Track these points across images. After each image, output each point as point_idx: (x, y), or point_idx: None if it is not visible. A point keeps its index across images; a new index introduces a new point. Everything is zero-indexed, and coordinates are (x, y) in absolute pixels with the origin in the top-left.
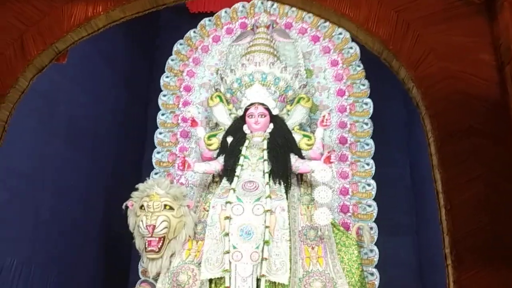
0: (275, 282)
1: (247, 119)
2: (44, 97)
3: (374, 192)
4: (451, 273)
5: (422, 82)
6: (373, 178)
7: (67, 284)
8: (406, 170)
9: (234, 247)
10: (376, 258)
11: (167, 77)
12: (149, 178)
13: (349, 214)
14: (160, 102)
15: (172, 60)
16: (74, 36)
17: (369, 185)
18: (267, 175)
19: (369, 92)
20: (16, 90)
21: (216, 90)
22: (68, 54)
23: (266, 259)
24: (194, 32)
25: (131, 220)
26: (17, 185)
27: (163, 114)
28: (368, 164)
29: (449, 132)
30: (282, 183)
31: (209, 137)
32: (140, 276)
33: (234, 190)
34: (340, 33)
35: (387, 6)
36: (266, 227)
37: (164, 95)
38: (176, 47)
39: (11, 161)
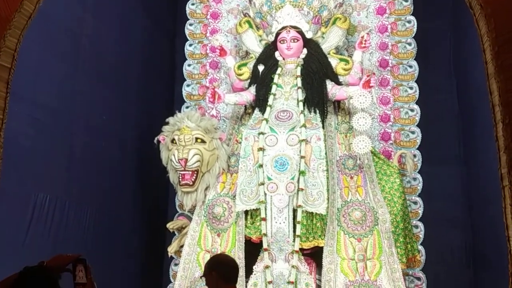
0: (312, 213)
1: (278, 44)
2: (68, 33)
3: (418, 118)
4: (509, 195)
5: None
6: (417, 103)
7: (104, 219)
8: (453, 95)
9: (269, 179)
10: (419, 187)
11: (192, 4)
12: (180, 112)
13: (391, 141)
14: (187, 32)
15: (193, 4)
16: None
17: (412, 110)
18: (301, 104)
19: (412, 8)
20: (22, 14)
21: (245, 15)
22: None
23: (302, 189)
24: None
25: (163, 155)
26: (46, 120)
27: (190, 45)
28: (411, 88)
29: (508, 33)
30: (317, 111)
31: (239, 67)
32: (177, 209)
33: (267, 121)
34: None
35: None
36: (302, 157)
37: (191, 24)
38: None
39: (37, 95)
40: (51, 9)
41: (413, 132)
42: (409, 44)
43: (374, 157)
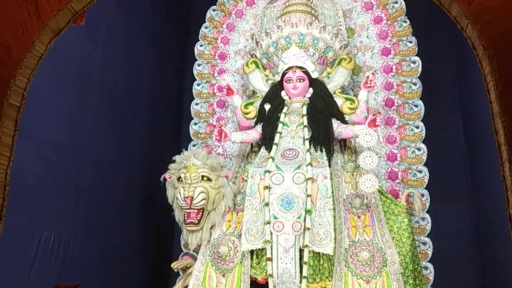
0: (319, 253)
1: (284, 84)
2: (78, 69)
3: (425, 157)
4: None
5: (479, 17)
6: (423, 142)
7: (108, 256)
8: (459, 133)
9: (275, 218)
10: (428, 227)
11: (201, 45)
12: (187, 150)
13: (398, 181)
14: (195, 72)
15: (206, 27)
16: None
17: (419, 149)
18: (307, 142)
19: (417, 49)
20: (33, 55)
21: (252, 56)
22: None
23: (308, 229)
24: None
25: (169, 193)
26: (53, 157)
27: (198, 84)
28: (417, 127)
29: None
30: (323, 149)
31: (246, 105)
32: (182, 248)
33: (273, 159)
34: None
35: None
36: (308, 196)
37: (199, 65)
38: (209, 13)
39: (47, 132)
40: (60, 46)
41: (420, 171)
42: (414, 84)
43: (382, 196)
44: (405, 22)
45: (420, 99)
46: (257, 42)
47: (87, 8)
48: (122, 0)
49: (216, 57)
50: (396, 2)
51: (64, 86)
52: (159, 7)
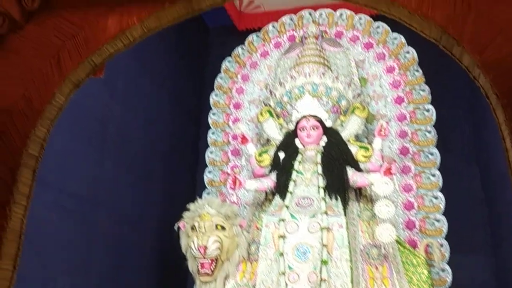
0: None
1: (298, 132)
2: (96, 120)
3: (442, 206)
4: None
5: (491, 67)
6: (441, 190)
7: None
8: (477, 181)
9: (290, 268)
10: (449, 278)
11: (216, 95)
12: (201, 198)
13: (416, 230)
14: (210, 121)
15: (221, 78)
16: (109, 48)
17: (436, 198)
18: (322, 190)
19: (430, 98)
20: (53, 106)
21: (266, 105)
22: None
23: (325, 280)
24: (242, 48)
25: (183, 242)
26: (70, 207)
27: (213, 133)
28: (434, 175)
29: None
30: (338, 198)
31: (260, 154)
32: None
33: (288, 207)
34: (395, 38)
35: None
36: (324, 245)
37: (214, 114)
38: (225, 64)
39: (64, 182)
40: (80, 97)
41: (438, 221)
42: (429, 132)
43: (400, 246)
44: (417, 71)
45: (436, 147)
46: (271, 92)
47: (107, 61)
48: (139, 52)
49: (230, 107)
50: (408, 52)
51: (82, 137)
52: (176, 58)
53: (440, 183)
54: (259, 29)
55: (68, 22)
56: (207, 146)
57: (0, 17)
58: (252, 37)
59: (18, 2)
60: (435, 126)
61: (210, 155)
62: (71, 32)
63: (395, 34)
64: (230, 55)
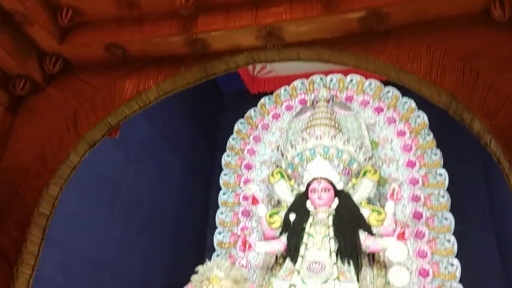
0: None
1: (309, 194)
2: (108, 180)
3: (458, 273)
4: None
5: (502, 133)
6: (456, 257)
7: None
8: (494, 248)
9: None
10: None
11: (228, 156)
12: (210, 260)
13: None
14: (221, 181)
15: (233, 139)
16: (125, 110)
17: (452, 265)
18: (334, 255)
19: (442, 162)
20: (67, 165)
21: (277, 166)
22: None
23: None
24: (254, 110)
25: None
26: (76, 266)
27: (224, 194)
28: (449, 241)
29: None
30: (351, 263)
31: (271, 215)
32: None
33: (299, 272)
34: (405, 103)
35: (451, 55)
36: None
37: (225, 174)
38: (237, 126)
39: (72, 241)
40: (93, 157)
41: None
42: (443, 196)
43: None
44: (428, 135)
45: (450, 211)
46: (282, 153)
47: (122, 122)
48: (153, 114)
49: (242, 167)
50: (418, 117)
51: (93, 197)
52: (189, 120)
53: (455, 249)
54: (271, 93)
55: (87, 85)
56: (217, 207)
57: (22, 80)
58: (264, 100)
59: (41, 66)
60: (448, 190)
61: (220, 215)
62: (89, 94)
63: (405, 99)
64: (242, 117)
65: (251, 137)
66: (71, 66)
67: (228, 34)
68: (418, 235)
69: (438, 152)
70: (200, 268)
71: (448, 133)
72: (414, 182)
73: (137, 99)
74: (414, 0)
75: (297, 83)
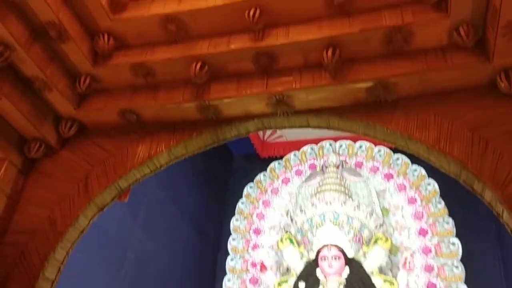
0: None
1: (319, 262)
2: (116, 243)
3: None
4: None
5: None
6: None
7: None
8: None
9: None
10: None
11: (236, 220)
12: None
13: None
14: (229, 247)
15: (242, 203)
16: (136, 173)
17: None
18: None
19: (455, 231)
20: (76, 229)
21: (286, 231)
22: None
23: None
24: (264, 175)
25: None
26: None
27: (232, 259)
28: None
29: None
30: None
31: (279, 283)
32: None
33: None
34: (415, 170)
35: (459, 125)
36: None
37: (234, 239)
38: (246, 190)
39: None
40: (102, 220)
41: None
42: (456, 267)
43: None
44: (439, 203)
45: (465, 282)
46: (292, 219)
47: (132, 185)
48: (163, 177)
49: (251, 232)
50: (429, 184)
51: (100, 260)
52: (198, 183)
53: None
54: (281, 157)
55: (100, 148)
56: (224, 273)
57: (37, 143)
58: (274, 164)
59: (56, 130)
60: (462, 260)
61: (228, 283)
62: (101, 158)
63: (415, 166)
64: (252, 181)
65: (260, 201)
66: (86, 130)
67: (239, 101)
68: None
69: (450, 220)
70: None
71: (459, 201)
72: (426, 251)
73: (149, 163)
74: (419, 72)
75: (306, 148)
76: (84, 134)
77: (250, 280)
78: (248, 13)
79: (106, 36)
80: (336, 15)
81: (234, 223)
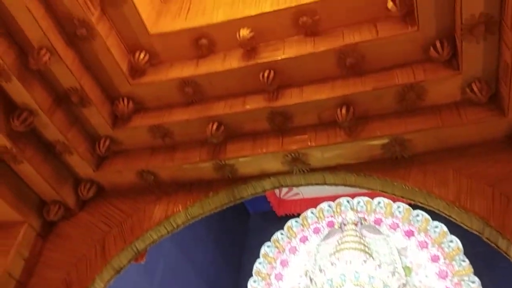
0: None
1: None
2: None
3: None
4: None
5: None
6: None
7: None
8: None
9: None
10: None
11: (254, 281)
12: None
13: None
14: None
15: (260, 263)
16: (153, 234)
17: None
18: None
19: None
20: None
21: None
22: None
23: None
24: (282, 233)
25: None
26: None
27: None
28: None
29: None
30: None
31: None
32: None
33: None
34: (436, 227)
35: (478, 181)
36: None
37: None
38: (264, 249)
39: None
40: (118, 282)
41: None
42: None
43: None
44: (464, 261)
45: None
46: (311, 279)
47: (149, 246)
48: (180, 237)
49: None
50: (451, 241)
51: None
52: (215, 243)
53: None
54: (298, 215)
55: (117, 210)
56: None
57: (56, 205)
58: (291, 223)
59: (75, 192)
60: None
61: None
62: (119, 219)
63: (436, 223)
64: (269, 240)
65: (278, 261)
66: (104, 191)
67: (255, 159)
68: None
69: (476, 279)
70: None
71: (484, 257)
72: None
73: (165, 224)
74: (434, 128)
75: (324, 205)
76: (102, 196)
77: None
78: (263, 75)
79: (125, 100)
80: (349, 75)
81: (251, 284)
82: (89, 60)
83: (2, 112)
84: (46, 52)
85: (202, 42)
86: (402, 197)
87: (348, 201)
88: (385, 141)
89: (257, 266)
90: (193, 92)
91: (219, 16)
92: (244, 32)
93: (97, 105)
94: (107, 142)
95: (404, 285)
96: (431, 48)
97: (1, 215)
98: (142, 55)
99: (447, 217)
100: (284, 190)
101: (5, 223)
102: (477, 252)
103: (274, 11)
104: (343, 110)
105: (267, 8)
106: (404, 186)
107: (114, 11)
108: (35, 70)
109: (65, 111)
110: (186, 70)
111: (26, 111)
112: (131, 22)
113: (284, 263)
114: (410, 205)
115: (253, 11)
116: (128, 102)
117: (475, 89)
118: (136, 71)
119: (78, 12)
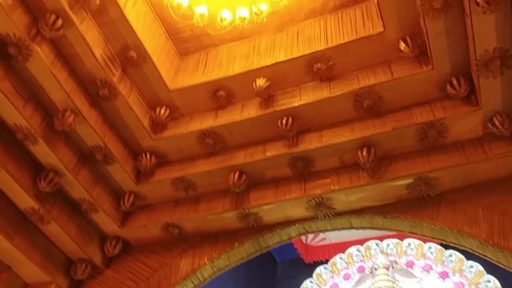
0: None
1: None
2: None
3: None
4: None
5: None
6: None
7: None
8: None
9: None
10: None
11: None
12: None
13: None
14: None
15: None
16: None
17: None
18: None
19: None
20: None
21: None
22: None
23: None
24: (311, 281)
25: None
26: None
27: None
28: None
29: None
30: None
31: None
32: None
33: None
34: (471, 266)
35: (510, 217)
36: None
37: None
38: (305, 284)
39: None
40: None
41: None
42: None
43: None
44: None
45: None
46: None
47: None
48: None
49: None
50: (489, 281)
51: None
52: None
53: None
54: (326, 261)
55: (144, 266)
56: None
57: (83, 264)
58: (320, 270)
59: (101, 249)
60: None
61: None
62: (145, 275)
63: (471, 262)
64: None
65: None
66: (129, 247)
67: (279, 206)
68: None
69: None
70: None
71: None
72: None
73: (192, 278)
74: (459, 165)
75: (352, 250)
76: (128, 252)
77: None
78: (281, 122)
79: (148, 155)
80: (367, 117)
81: None
82: (112, 118)
83: (29, 173)
84: (70, 113)
85: (220, 94)
86: (433, 237)
87: (377, 244)
88: (410, 180)
89: None
90: (213, 143)
91: (235, 68)
92: (261, 82)
93: (121, 162)
94: (132, 198)
95: None
96: (448, 85)
97: (30, 276)
98: (162, 110)
99: (481, 256)
100: (311, 236)
101: (34, 284)
102: None
103: (289, 59)
104: (364, 152)
105: (281, 57)
106: (433, 226)
107: (134, 70)
108: (60, 131)
109: (90, 169)
110: (206, 122)
111: (52, 171)
112: (151, 79)
113: None
114: (441, 244)
115: (268, 61)
116: (150, 157)
117: (496, 123)
118: (157, 126)
119: (100, 74)
